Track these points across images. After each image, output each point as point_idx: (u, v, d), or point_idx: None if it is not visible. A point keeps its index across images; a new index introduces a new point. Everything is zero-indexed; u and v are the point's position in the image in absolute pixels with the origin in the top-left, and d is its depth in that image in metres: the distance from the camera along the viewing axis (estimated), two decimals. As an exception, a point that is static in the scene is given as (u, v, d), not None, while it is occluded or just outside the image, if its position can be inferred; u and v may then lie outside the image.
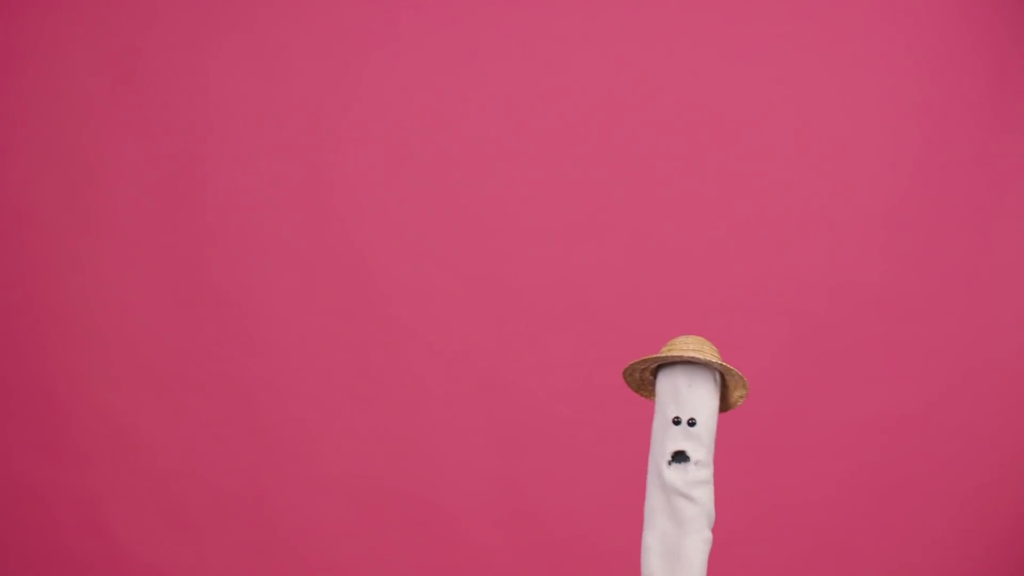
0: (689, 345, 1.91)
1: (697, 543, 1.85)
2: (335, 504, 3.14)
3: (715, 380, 1.93)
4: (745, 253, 3.20)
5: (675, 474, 1.86)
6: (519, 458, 3.17)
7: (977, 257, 3.18)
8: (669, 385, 1.92)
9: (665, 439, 1.89)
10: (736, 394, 1.97)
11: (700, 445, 1.87)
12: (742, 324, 3.16)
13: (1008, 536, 3.09)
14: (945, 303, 3.19)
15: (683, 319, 2.97)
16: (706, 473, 1.88)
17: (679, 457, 1.87)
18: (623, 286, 3.19)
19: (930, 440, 3.15)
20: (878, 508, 3.13)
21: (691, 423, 1.87)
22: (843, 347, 3.18)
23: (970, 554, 3.11)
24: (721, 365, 1.90)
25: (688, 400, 1.89)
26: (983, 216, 3.18)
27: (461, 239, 3.20)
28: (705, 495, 1.87)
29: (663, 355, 1.91)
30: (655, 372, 1.95)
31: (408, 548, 3.13)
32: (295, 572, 3.10)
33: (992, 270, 3.20)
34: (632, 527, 2.44)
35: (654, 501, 1.87)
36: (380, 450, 3.17)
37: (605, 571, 2.98)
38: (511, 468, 3.16)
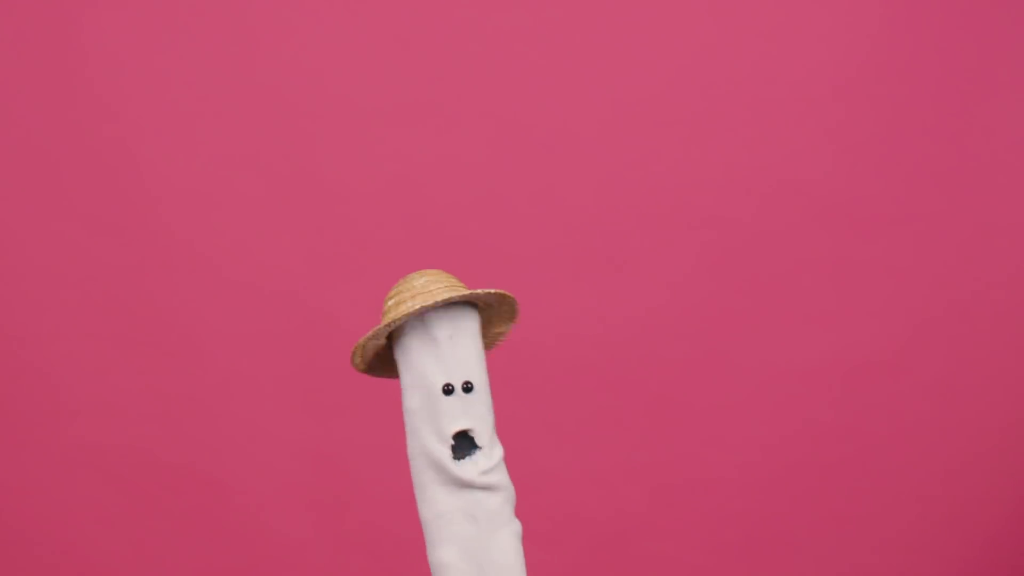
0: (434, 283, 1.72)
1: (510, 538, 1.71)
2: (85, 482, 2.93)
3: (477, 318, 1.75)
4: (645, 141, 3.01)
5: (464, 464, 1.71)
6: (336, 422, 2.96)
7: (958, 148, 2.99)
8: (423, 343, 1.72)
9: (436, 419, 1.71)
10: (497, 329, 1.81)
11: (485, 417, 1.72)
12: (640, 237, 2.99)
13: (999, 532, 2.96)
14: (915, 210, 3.00)
15: (560, 231, 2.94)
16: (499, 450, 1.73)
17: (460, 439, 1.71)
18: (479, 185, 2.99)
19: (895, 397, 2.98)
20: (822, 490, 2.98)
21: (467, 388, 1.72)
22: (778, 270, 2.98)
23: (946, 553, 2.96)
24: (492, 294, 1.72)
25: (454, 356, 1.71)
26: (966, 92, 2.99)
27: (253, 120, 2.97)
28: (504, 477, 1.73)
29: (404, 312, 1.69)
30: (390, 337, 1.75)
31: (185, 541, 2.93)
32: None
33: (977, 165, 3.00)
34: None
35: (440, 505, 1.71)
36: (145, 411, 2.95)
37: None
38: (325, 436, 2.96)
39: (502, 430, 2.94)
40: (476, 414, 1.72)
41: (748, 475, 2.95)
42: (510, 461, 2.94)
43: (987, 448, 2.95)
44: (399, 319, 1.70)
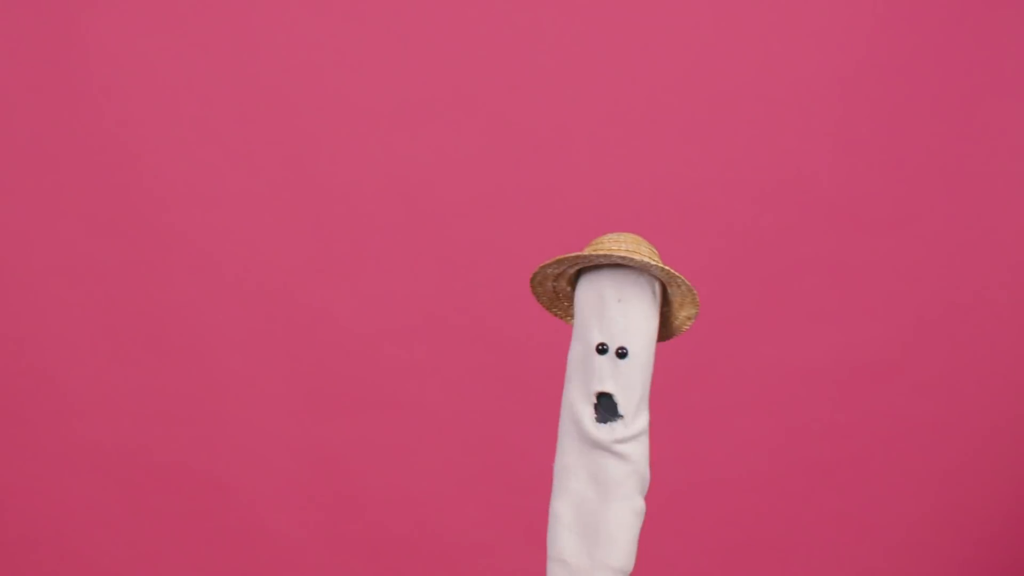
0: (621, 243, 1.71)
1: (625, 513, 1.70)
2: (85, 482, 2.91)
3: (654, 293, 1.74)
4: (645, 141, 2.98)
5: (602, 428, 1.71)
6: (336, 422, 2.93)
7: (959, 148, 2.96)
8: (592, 298, 1.73)
9: (587, 375, 1.72)
10: (683, 314, 1.80)
11: (632, 387, 1.71)
12: (645, 238, 2.76)
13: (1000, 532, 2.94)
14: (916, 210, 2.97)
15: (560, 231, 2.90)
16: (641, 423, 1.72)
17: (605, 401, 1.71)
18: (476, 187, 2.95)
19: (896, 397, 2.95)
20: (823, 490, 2.96)
21: (621, 353, 1.70)
22: (779, 270, 2.95)
23: (946, 553, 2.94)
24: (663, 270, 1.71)
25: (617, 320, 1.71)
26: (967, 92, 2.96)
27: (255, 121, 2.94)
28: (639, 452, 1.71)
29: (587, 253, 1.71)
30: (574, 281, 1.77)
31: (185, 541, 2.90)
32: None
33: (978, 165, 2.98)
34: (496, 514, 2.73)
35: (568, 457, 1.72)
36: (146, 411, 2.92)
37: (451, 572, 2.88)
38: (325, 435, 2.93)
39: (504, 430, 2.94)
40: (624, 382, 1.71)
41: (748, 475, 2.93)
42: (511, 461, 2.93)
43: (987, 448, 2.95)
44: (559, 261, 1.72)
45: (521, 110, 2.96)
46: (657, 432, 2.86)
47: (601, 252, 1.72)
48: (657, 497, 2.84)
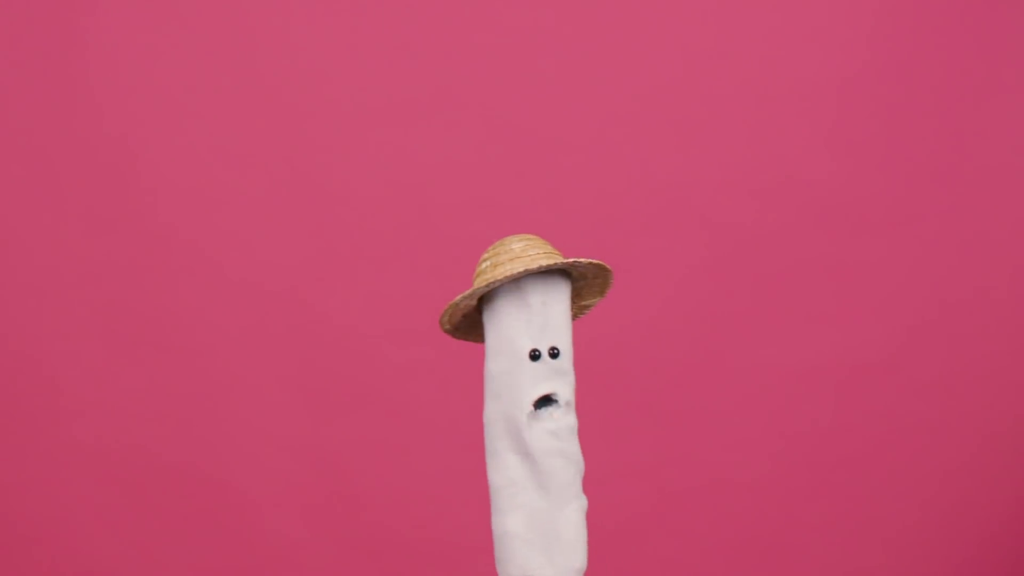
0: (532, 248, 1.67)
1: (577, 513, 1.67)
2: (85, 482, 2.89)
3: (569, 287, 1.71)
4: (645, 141, 2.97)
5: (543, 428, 1.67)
6: (337, 422, 2.92)
7: (958, 148, 2.96)
8: (514, 309, 1.68)
9: (521, 385, 1.67)
10: (584, 302, 1.79)
11: (567, 382, 1.68)
12: (639, 238, 2.95)
13: (1000, 532, 2.94)
14: (914, 210, 2.97)
15: (560, 231, 2.78)
16: (574, 419, 1.69)
17: (543, 403, 1.67)
18: (477, 187, 2.95)
19: (895, 398, 2.94)
20: (823, 490, 2.94)
21: (553, 354, 1.67)
22: (778, 271, 2.94)
23: (946, 553, 2.94)
24: (592, 264, 1.69)
25: (545, 323, 1.68)
26: (966, 91, 2.96)
27: (255, 121, 2.93)
28: (576, 445, 1.69)
29: (502, 275, 1.66)
30: (481, 299, 1.73)
31: (185, 541, 2.89)
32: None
33: (977, 165, 2.97)
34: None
35: (512, 472, 1.67)
36: (146, 411, 2.91)
37: (451, 572, 2.88)
38: (325, 435, 2.92)
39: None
40: (559, 380, 1.69)
41: (748, 475, 2.92)
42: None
43: (987, 448, 2.93)
44: (497, 281, 1.67)
45: (521, 110, 2.95)
46: (657, 432, 2.94)
47: (518, 268, 1.67)
48: (657, 497, 2.91)
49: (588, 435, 2.93)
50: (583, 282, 1.74)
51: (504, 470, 1.68)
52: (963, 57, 2.94)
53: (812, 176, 2.95)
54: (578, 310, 1.78)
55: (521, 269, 1.64)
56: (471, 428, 2.98)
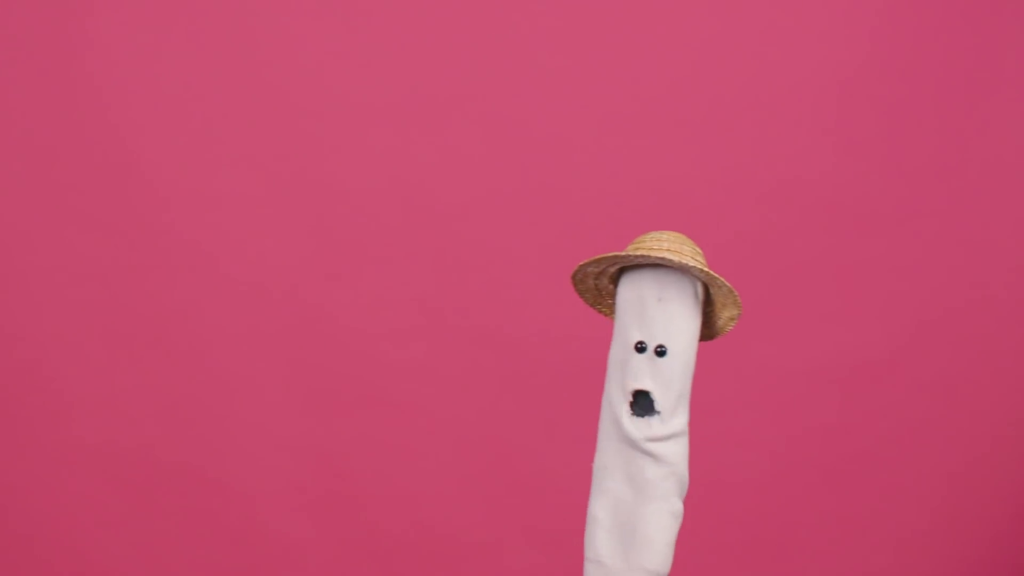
0: (663, 243, 1.70)
1: (662, 515, 1.68)
2: (85, 482, 2.89)
3: (696, 294, 1.73)
4: (645, 141, 2.95)
5: (638, 421, 1.69)
6: (335, 421, 2.91)
7: (959, 147, 2.94)
8: (633, 297, 1.73)
9: (625, 373, 1.71)
10: (725, 315, 1.79)
11: (670, 385, 1.70)
12: (638, 235, 2.69)
13: (1000, 532, 2.91)
14: (916, 210, 2.95)
15: (561, 231, 2.90)
16: (680, 422, 1.70)
17: (642, 399, 1.69)
18: (477, 187, 2.93)
19: (896, 397, 2.93)
20: (823, 490, 2.95)
21: (660, 352, 1.69)
22: (782, 270, 2.93)
23: (946, 553, 2.92)
24: (705, 273, 1.70)
25: (657, 319, 1.70)
26: (967, 91, 2.94)
27: (255, 120, 2.92)
28: (677, 453, 1.70)
29: (626, 253, 1.70)
30: (616, 278, 1.77)
31: (185, 541, 2.89)
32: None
33: (979, 164, 2.95)
34: (496, 514, 2.77)
35: (607, 457, 1.71)
36: (146, 411, 2.90)
37: (451, 572, 2.86)
38: (325, 435, 2.91)
39: (503, 430, 2.92)
40: (662, 380, 1.69)
41: (750, 475, 2.91)
42: (511, 461, 2.91)
43: (988, 448, 2.93)
44: (599, 260, 1.71)
45: (522, 110, 2.95)
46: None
47: (640, 252, 1.71)
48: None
49: (588, 434, 2.93)
50: (722, 294, 1.74)
51: (601, 454, 1.72)
52: (965, 57, 2.94)
53: (813, 176, 2.94)
54: (725, 322, 1.80)
55: (640, 254, 1.67)
56: (471, 428, 2.98)
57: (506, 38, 2.96)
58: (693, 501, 2.86)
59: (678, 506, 1.71)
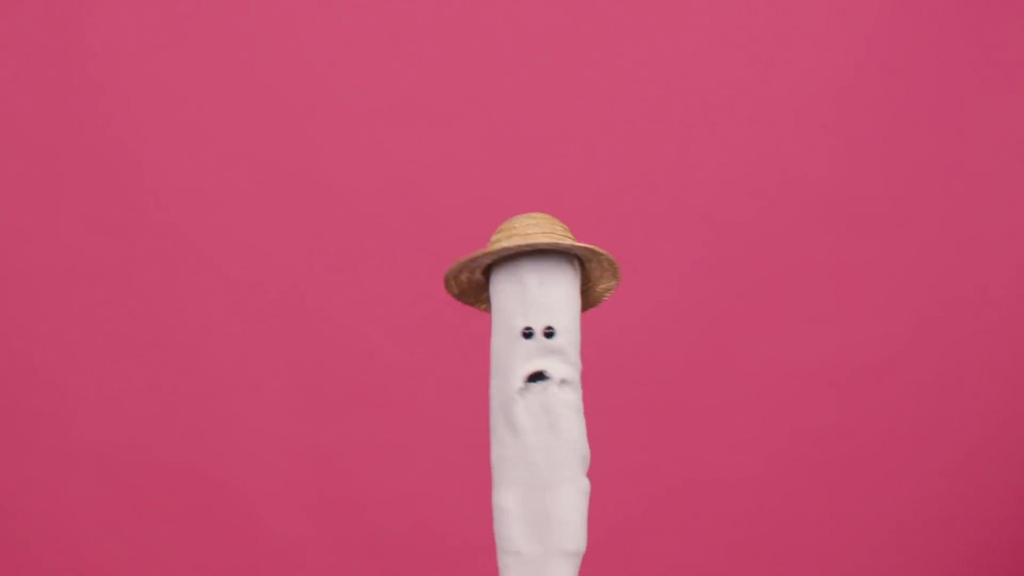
0: (534, 226, 1.68)
1: (572, 494, 1.65)
2: (85, 482, 2.87)
3: (575, 270, 1.72)
4: (646, 141, 2.95)
5: (530, 404, 1.66)
6: (335, 421, 2.90)
7: (958, 148, 2.95)
8: (511, 286, 1.70)
9: (512, 360, 1.68)
10: (601, 286, 1.77)
11: (564, 361, 1.68)
12: (640, 238, 2.92)
13: (1000, 532, 2.92)
14: (915, 210, 2.95)
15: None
16: (575, 398, 1.68)
17: (537, 380, 1.66)
18: (477, 184, 2.92)
19: (895, 397, 2.93)
20: (823, 489, 2.95)
21: (548, 333, 1.67)
22: (779, 270, 2.93)
23: (946, 553, 2.91)
24: (583, 248, 1.69)
25: (540, 302, 1.68)
26: (965, 92, 2.95)
27: (256, 121, 2.91)
28: (575, 426, 1.66)
29: (495, 247, 1.68)
30: (488, 271, 1.74)
31: (185, 541, 2.87)
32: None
33: (977, 165, 2.95)
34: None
35: (504, 448, 1.67)
36: (145, 410, 2.88)
37: (451, 571, 2.83)
38: (325, 435, 2.90)
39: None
40: (553, 358, 1.67)
41: (749, 475, 2.91)
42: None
43: (987, 448, 2.93)
44: (487, 253, 1.67)
45: (521, 110, 2.94)
46: (657, 432, 2.89)
47: (513, 242, 1.68)
48: (657, 497, 2.90)
49: (589, 434, 2.94)
50: (596, 267, 1.72)
51: (498, 445, 1.68)
52: (964, 57, 2.93)
53: (813, 176, 2.93)
54: (598, 295, 1.77)
55: (516, 244, 1.64)
56: (471, 428, 2.97)
57: (506, 37, 2.95)
58: (692, 501, 2.88)
59: (585, 483, 1.68)
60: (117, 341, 2.90)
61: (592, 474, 2.89)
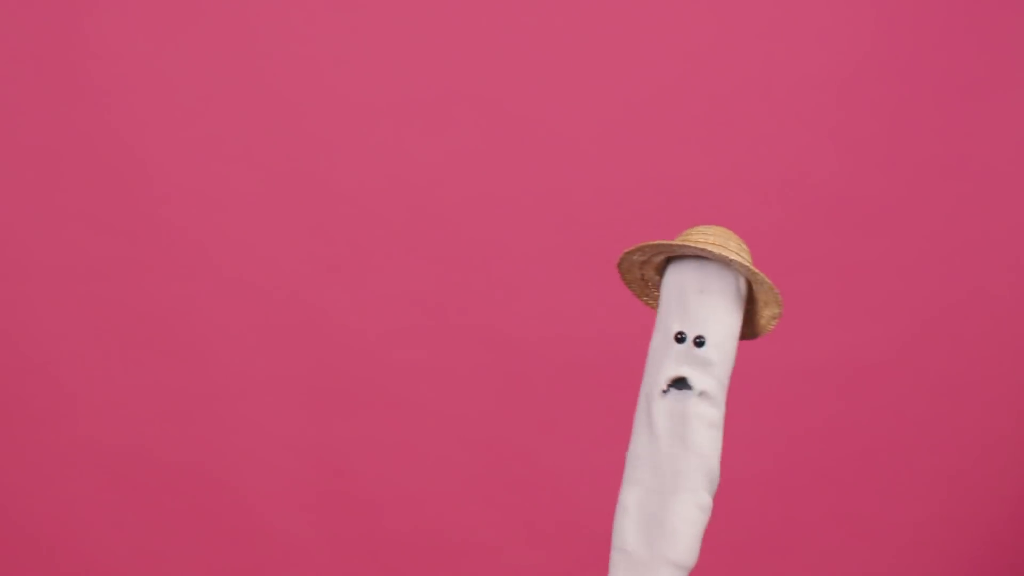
0: (707, 236, 1.71)
1: (689, 507, 1.65)
2: (87, 481, 2.88)
3: (738, 289, 1.73)
4: (646, 141, 2.94)
5: (668, 408, 1.67)
6: (338, 422, 2.91)
7: (961, 147, 2.93)
8: (675, 288, 1.73)
9: (662, 362, 1.70)
10: (767, 313, 1.78)
11: (708, 373, 1.68)
12: (641, 237, 2.73)
13: (1002, 531, 2.91)
14: (917, 210, 2.94)
15: (561, 231, 2.91)
16: (714, 413, 1.67)
17: (679, 386, 1.68)
18: (478, 186, 2.92)
19: (898, 397, 2.92)
20: (824, 489, 2.94)
21: (699, 342, 1.68)
22: (784, 269, 2.77)
23: (947, 553, 2.90)
24: (746, 268, 1.70)
25: (697, 310, 1.70)
26: (968, 91, 2.93)
27: (257, 120, 2.91)
28: (709, 443, 1.66)
29: (669, 242, 1.71)
30: (662, 269, 1.77)
31: (186, 541, 2.88)
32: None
33: (980, 164, 2.93)
34: (496, 514, 2.77)
35: (639, 446, 1.69)
36: (147, 410, 2.89)
37: (451, 571, 2.85)
38: (327, 435, 2.91)
39: (505, 430, 2.91)
40: (697, 368, 1.69)
41: (749, 475, 2.90)
42: (512, 461, 2.89)
43: (990, 447, 2.92)
44: (656, 245, 1.72)
45: (522, 110, 2.94)
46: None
47: (683, 243, 1.71)
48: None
49: (589, 434, 2.90)
50: (764, 291, 1.73)
51: (633, 442, 1.70)
52: (965, 57, 2.93)
53: (815, 176, 2.93)
54: (767, 320, 1.79)
55: (681, 244, 1.67)
56: (471, 428, 2.97)
57: (506, 37, 2.95)
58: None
59: (706, 500, 1.69)
60: (119, 340, 2.91)
61: (592, 472, 2.88)
